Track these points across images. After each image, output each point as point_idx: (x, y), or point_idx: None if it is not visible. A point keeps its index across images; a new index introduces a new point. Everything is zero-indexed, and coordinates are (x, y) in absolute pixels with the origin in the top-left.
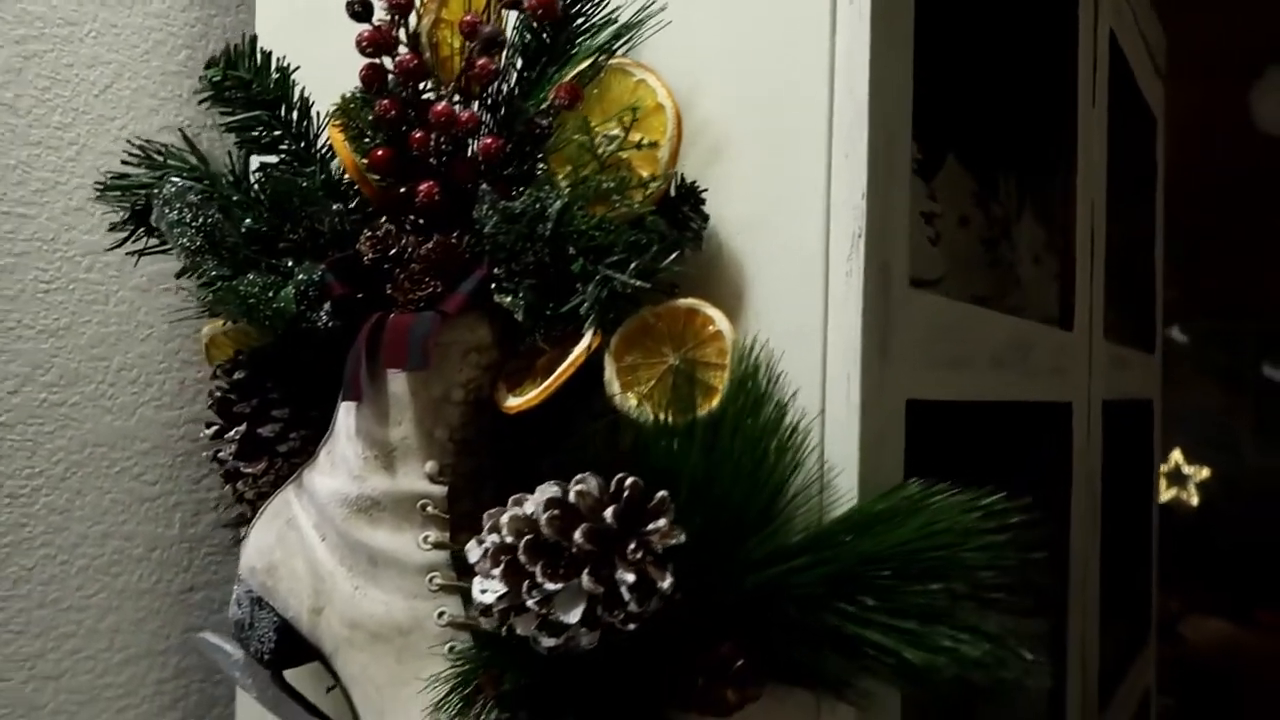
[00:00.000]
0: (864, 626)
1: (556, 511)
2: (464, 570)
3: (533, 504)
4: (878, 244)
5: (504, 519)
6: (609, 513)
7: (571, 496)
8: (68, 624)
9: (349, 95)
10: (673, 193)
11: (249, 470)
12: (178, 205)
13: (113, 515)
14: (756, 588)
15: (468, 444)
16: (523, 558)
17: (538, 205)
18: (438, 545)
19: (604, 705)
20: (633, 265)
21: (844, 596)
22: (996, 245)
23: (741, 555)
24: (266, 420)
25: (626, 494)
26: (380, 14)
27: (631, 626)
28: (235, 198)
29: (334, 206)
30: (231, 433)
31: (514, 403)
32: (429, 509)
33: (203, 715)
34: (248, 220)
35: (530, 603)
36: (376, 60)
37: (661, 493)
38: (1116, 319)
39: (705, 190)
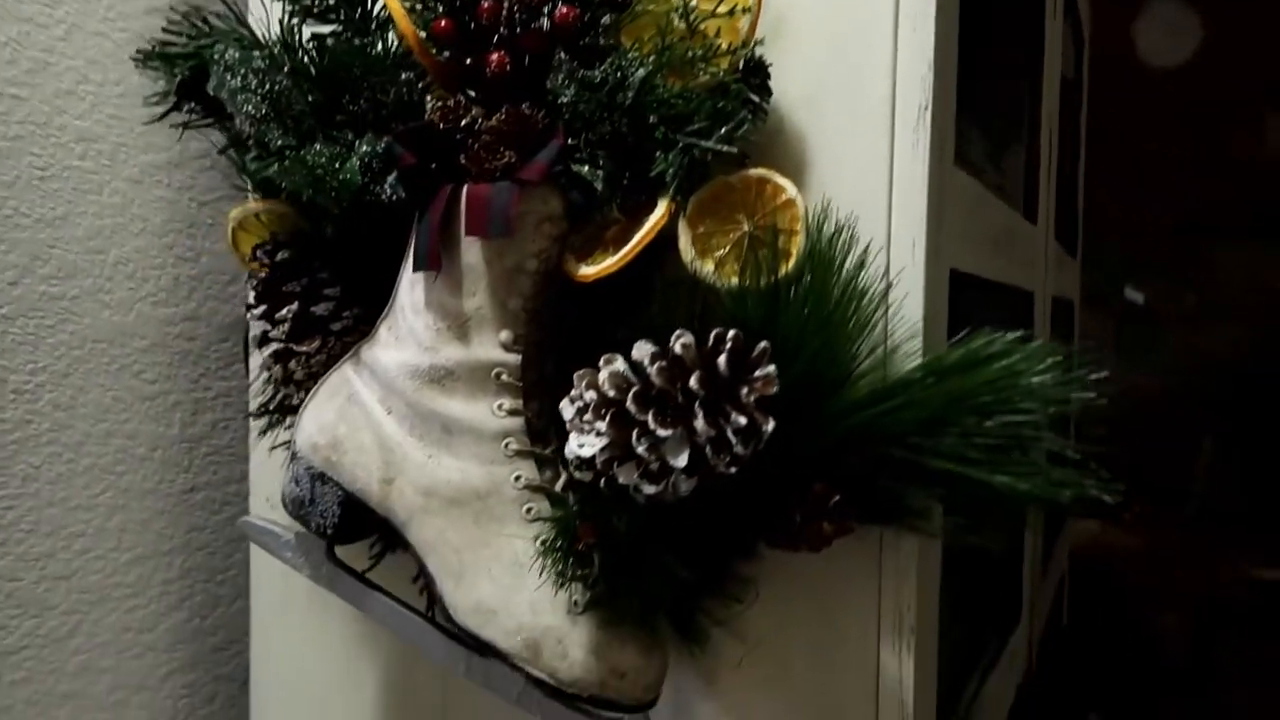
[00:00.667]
0: (952, 460)
1: (664, 363)
2: (535, 436)
3: (630, 361)
4: (940, 117)
5: (603, 376)
6: (721, 360)
7: (677, 349)
8: (76, 523)
9: None
10: (739, 65)
11: (302, 350)
12: (242, 71)
13: (115, 413)
14: (846, 431)
15: (538, 314)
16: (631, 408)
17: (619, 74)
18: (512, 412)
19: (700, 546)
20: (718, 133)
21: (931, 434)
22: None
23: (829, 403)
24: (319, 299)
25: (730, 345)
26: None
27: (733, 470)
28: (288, 67)
29: (403, 75)
30: (284, 311)
31: (589, 270)
32: (503, 377)
33: (207, 614)
34: (312, 90)
35: (641, 449)
36: None
37: (763, 343)
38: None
39: (770, 64)
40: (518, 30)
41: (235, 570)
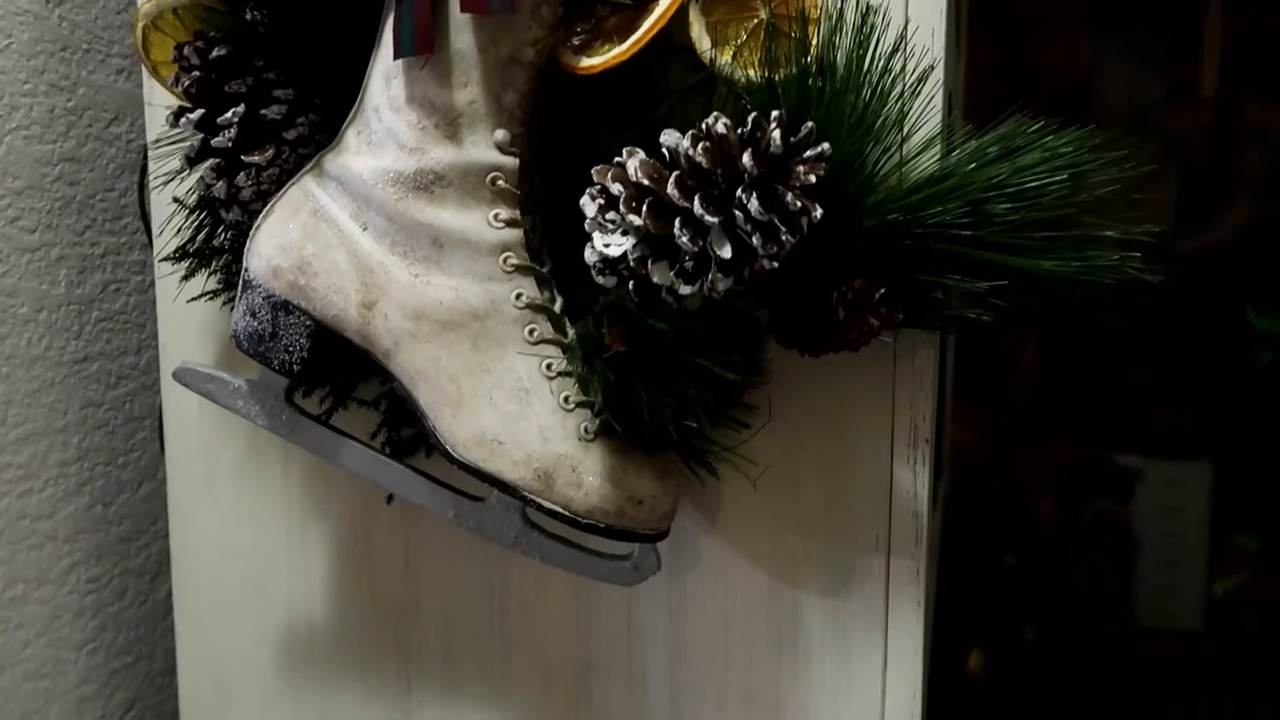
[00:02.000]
0: (995, 250)
1: (708, 144)
2: (531, 254)
3: (660, 149)
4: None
5: (632, 165)
6: (775, 137)
7: (719, 129)
8: None
9: None
10: None
11: (252, 160)
12: None
13: None
14: (884, 223)
15: (532, 114)
16: (673, 193)
17: None
18: (510, 223)
19: (737, 349)
20: None
21: (971, 224)
22: None
23: (866, 195)
24: (269, 101)
25: (774, 125)
26: None
27: (776, 264)
28: None
29: None
30: (228, 114)
31: (592, 61)
32: (500, 182)
33: (110, 500)
34: None
35: (683, 239)
36: None
37: (809, 124)
38: None
39: None
40: None
41: (138, 452)
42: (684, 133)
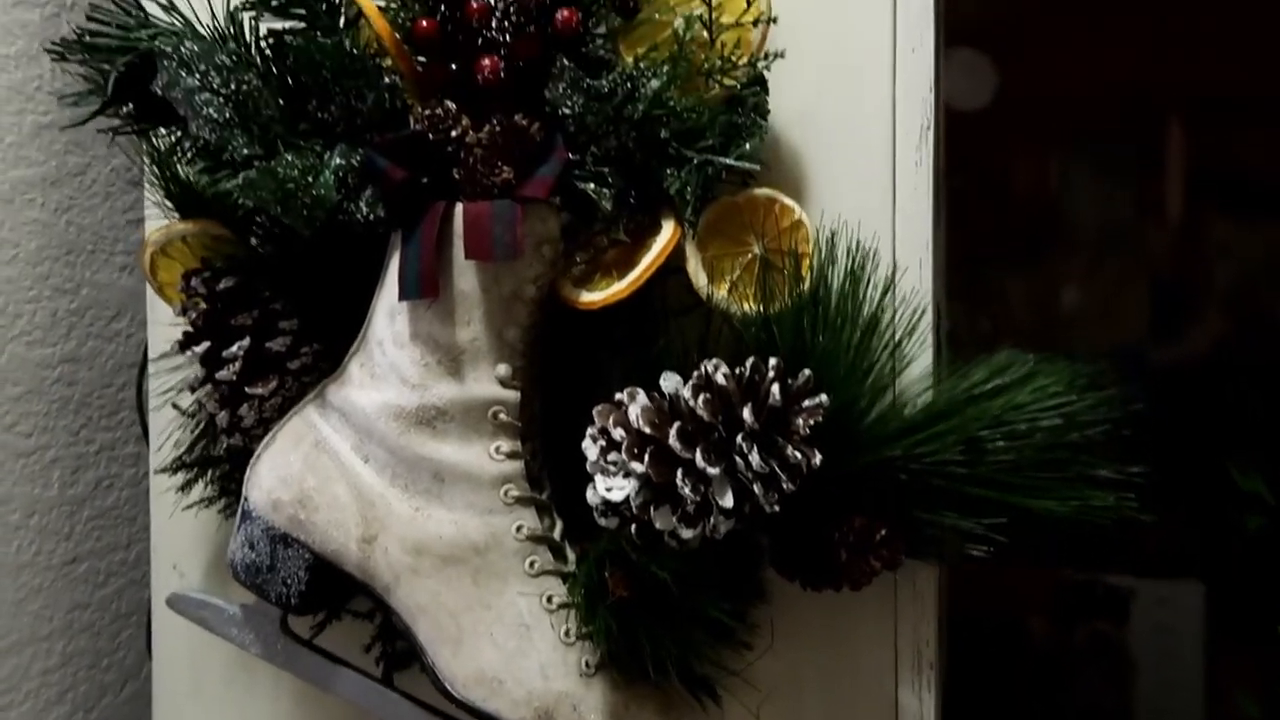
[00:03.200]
0: (991, 487)
1: (709, 395)
2: (532, 482)
3: (655, 394)
4: (938, 134)
5: (634, 410)
6: (775, 389)
7: (719, 379)
8: None
9: None
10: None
11: (256, 392)
12: (203, 68)
13: None
14: (880, 460)
15: (533, 346)
16: (675, 444)
17: (629, 85)
18: (511, 455)
19: (739, 591)
20: (732, 148)
21: (967, 462)
22: None
23: (861, 432)
24: (274, 333)
25: (774, 373)
26: None
27: (778, 508)
28: (230, 63)
29: (385, 80)
30: (233, 349)
31: (593, 297)
32: (501, 416)
33: (92, 706)
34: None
35: (685, 489)
36: None
37: (805, 372)
38: None
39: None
40: (509, 34)
41: (123, 651)
42: (683, 363)
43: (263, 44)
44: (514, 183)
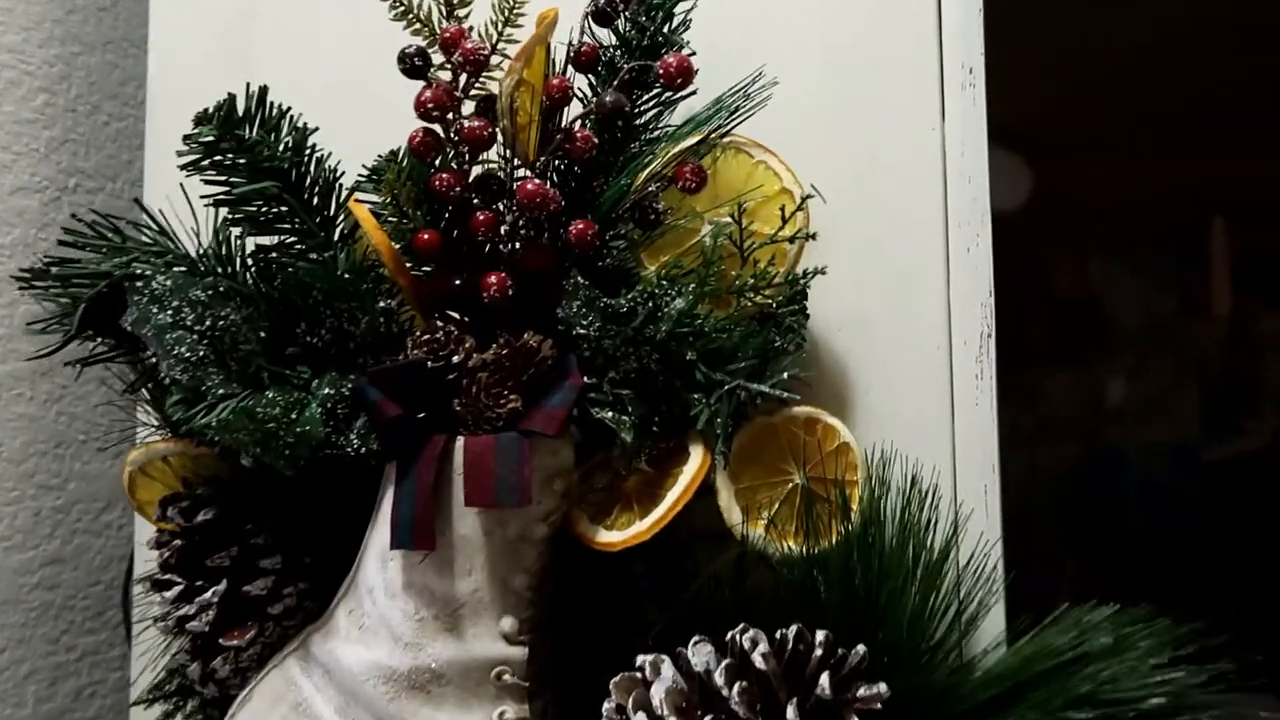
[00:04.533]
0: None
1: (746, 682)
2: None
3: (681, 662)
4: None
5: (657, 692)
6: (824, 681)
7: (756, 659)
8: None
9: (383, 164)
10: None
11: (231, 643)
12: (175, 303)
13: None
14: None
15: (543, 590)
16: None
17: (650, 303)
18: None
19: None
20: (768, 372)
21: None
22: None
23: (925, 714)
24: (253, 573)
25: (821, 651)
26: (434, 68)
27: None
28: (229, 289)
29: (380, 304)
30: (208, 594)
31: (613, 538)
32: (506, 677)
33: None
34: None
35: None
36: (434, 124)
37: (860, 650)
38: None
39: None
40: (518, 246)
41: None
42: (714, 619)
43: (249, 262)
44: (522, 412)
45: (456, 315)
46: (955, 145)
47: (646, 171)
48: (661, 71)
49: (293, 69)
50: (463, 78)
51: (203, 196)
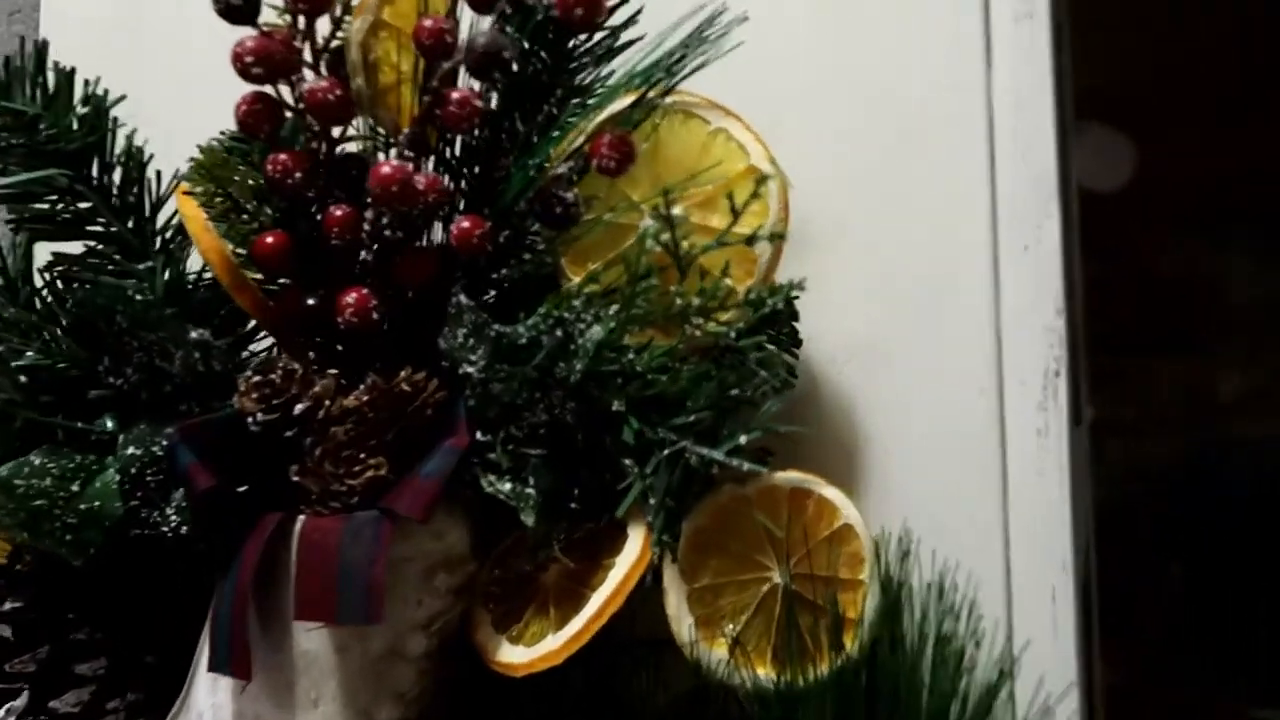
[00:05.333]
0: None
1: None
2: None
3: None
4: (1072, 383)
5: None
6: None
7: None
8: None
9: (212, 144)
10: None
11: None
12: None
13: None
14: None
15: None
16: None
17: (559, 331)
18: None
19: None
20: (726, 431)
21: None
22: None
23: None
24: (65, 684)
25: None
26: (273, 14)
27: None
28: (7, 314)
29: (192, 335)
30: (2, 711)
31: (515, 658)
32: None
33: None
34: (36, 357)
35: None
36: (266, 88)
37: None
38: None
39: (797, 296)
40: (388, 253)
41: None
42: None
43: (42, 278)
44: (390, 481)
45: (318, 348)
46: (1005, 101)
47: (559, 148)
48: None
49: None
50: (301, 20)
51: None
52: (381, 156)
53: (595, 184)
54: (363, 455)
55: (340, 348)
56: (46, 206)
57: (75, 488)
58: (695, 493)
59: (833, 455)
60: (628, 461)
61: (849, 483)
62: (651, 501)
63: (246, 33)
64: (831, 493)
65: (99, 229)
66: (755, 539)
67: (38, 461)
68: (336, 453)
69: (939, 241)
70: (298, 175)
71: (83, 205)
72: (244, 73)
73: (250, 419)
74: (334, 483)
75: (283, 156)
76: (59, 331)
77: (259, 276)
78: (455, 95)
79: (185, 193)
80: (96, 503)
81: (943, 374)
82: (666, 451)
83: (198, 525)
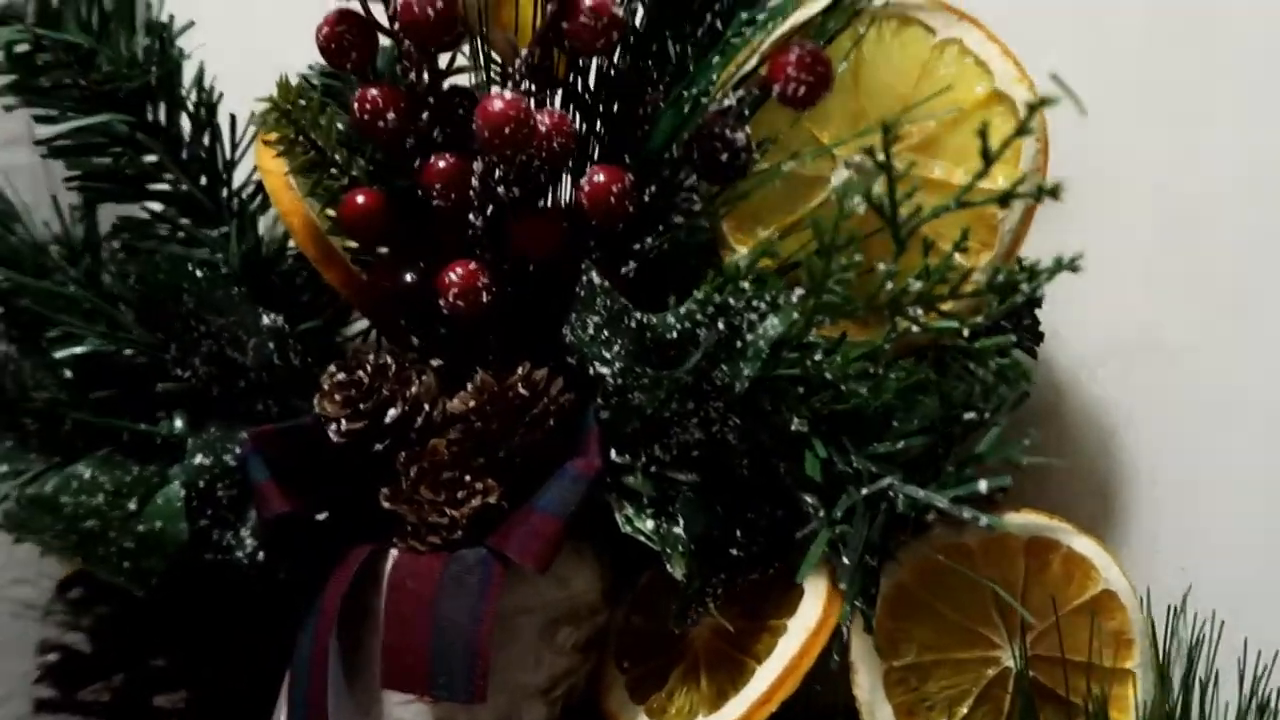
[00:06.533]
0: None
1: None
2: None
3: None
4: None
5: None
6: None
7: None
8: None
9: (286, 79)
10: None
11: None
12: None
13: None
14: None
15: None
16: None
17: (721, 323)
18: None
19: None
20: (947, 472)
21: None
22: None
23: None
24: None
25: None
26: None
27: None
28: (68, 291)
29: (265, 321)
30: None
31: None
32: None
33: None
34: (99, 343)
35: None
36: (354, 4)
37: None
38: None
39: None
40: (501, 216)
41: None
42: None
43: (107, 248)
44: (502, 509)
45: (422, 333)
46: None
47: (725, 74)
48: None
49: None
50: None
51: (37, 143)
52: (495, 91)
53: (772, 121)
54: (468, 477)
55: (434, 344)
56: (109, 160)
57: (132, 506)
58: (891, 549)
59: (1083, 492)
60: (810, 499)
61: (1105, 529)
62: (845, 560)
63: None
64: (1085, 545)
65: (165, 187)
66: (978, 605)
67: (88, 474)
68: (436, 473)
69: (1255, 201)
70: (390, 116)
71: (147, 159)
72: None
73: (333, 427)
74: (432, 512)
75: (373, 92)
76: (126, 313)
77: (354, 245)
78: (588, 3)
79: (266, 142)
80: (158, 523)
81: (1247, 384)
82: (865, 491)
83: (269, 550)
